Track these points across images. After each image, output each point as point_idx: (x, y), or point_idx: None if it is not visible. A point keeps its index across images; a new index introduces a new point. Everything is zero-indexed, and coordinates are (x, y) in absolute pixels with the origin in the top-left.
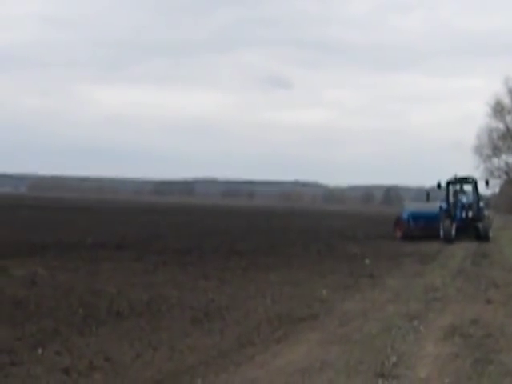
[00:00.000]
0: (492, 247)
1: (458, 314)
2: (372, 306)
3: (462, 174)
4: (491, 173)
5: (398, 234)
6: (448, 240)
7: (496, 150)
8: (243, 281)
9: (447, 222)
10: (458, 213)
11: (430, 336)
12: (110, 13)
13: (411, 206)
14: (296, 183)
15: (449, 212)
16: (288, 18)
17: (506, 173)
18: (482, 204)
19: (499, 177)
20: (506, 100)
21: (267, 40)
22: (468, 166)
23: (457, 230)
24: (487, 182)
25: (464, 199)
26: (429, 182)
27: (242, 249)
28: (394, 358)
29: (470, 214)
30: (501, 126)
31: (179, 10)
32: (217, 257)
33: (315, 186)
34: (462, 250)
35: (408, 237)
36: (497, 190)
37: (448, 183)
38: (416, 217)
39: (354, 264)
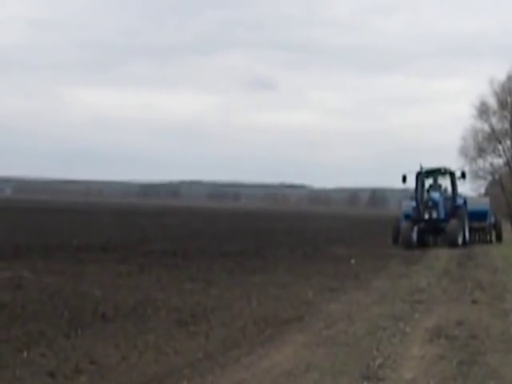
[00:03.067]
0: (477, 248)
1: (444, 316)
2: (357, 307)
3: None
4: (476, 174)
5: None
6: (407, 246)
7: (481, 152)
8: (229, 283)
9: (406, 224)
10: (421, 212)
11: (416, 337)
12: (95, 15)
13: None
14: (282, 185)
15: (419, 211)
16: (272, 21)
17: (492, 174)
18: (460, 201)
19: (484, 178)
20: (490, 101)
21: (252, 42)
22: (453, 167)
23: (420, 233)
24: (463, 174)
25: (436, 195)
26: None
27: (228, 251)
28: (379, 360)
29: (435, 214)
30: (486, 127)
31: (165, 12)
32: (202, 259)
33: (301, 187)
34: (447, 251)
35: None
36: (482, 190)
37: (417, 176)
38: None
39: (340, 266)
